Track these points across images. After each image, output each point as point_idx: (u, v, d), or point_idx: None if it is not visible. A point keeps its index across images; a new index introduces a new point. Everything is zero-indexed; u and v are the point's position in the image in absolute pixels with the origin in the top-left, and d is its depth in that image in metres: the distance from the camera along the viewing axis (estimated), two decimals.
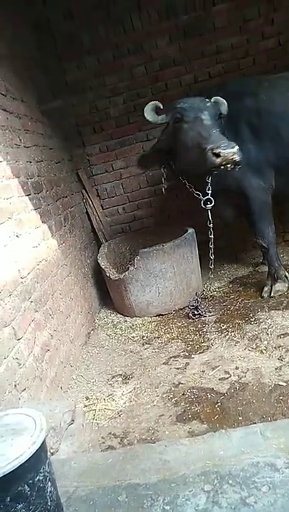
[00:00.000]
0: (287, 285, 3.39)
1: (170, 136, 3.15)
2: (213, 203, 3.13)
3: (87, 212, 4.38)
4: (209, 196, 3.12)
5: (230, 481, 1.45)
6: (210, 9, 4.08)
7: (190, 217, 4.16)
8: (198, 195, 3.18)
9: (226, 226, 3.44)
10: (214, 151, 2.75)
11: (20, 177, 2.75)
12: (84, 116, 4.30)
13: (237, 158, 2.74)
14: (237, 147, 2.75)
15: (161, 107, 3.14)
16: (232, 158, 2.74)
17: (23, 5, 3.67)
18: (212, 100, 3.10)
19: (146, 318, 3.56)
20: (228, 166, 2.79)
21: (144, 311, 3.60)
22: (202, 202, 3.15)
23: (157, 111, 3.13)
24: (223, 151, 2.73)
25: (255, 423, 2.06)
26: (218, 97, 3.16)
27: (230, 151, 2.73)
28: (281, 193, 3.37)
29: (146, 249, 3.54)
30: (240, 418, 2.15)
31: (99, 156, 4.40)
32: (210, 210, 3.17)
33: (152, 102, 3.14)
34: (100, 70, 4.18)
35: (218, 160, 2.75)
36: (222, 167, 2.79)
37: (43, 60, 3.92)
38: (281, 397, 2.22)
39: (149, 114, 3.11)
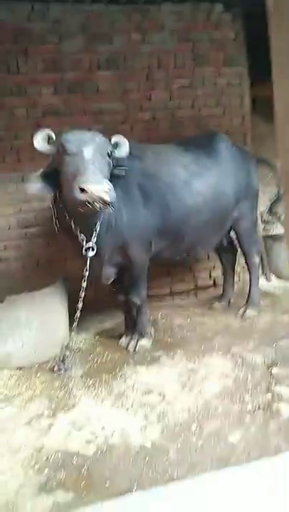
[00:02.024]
0: (151, 341, 3.56)
1: (55, 169, 2.92)
2: (94, 252, 3.07)
3: None
4: (93, 244, 3.05)
5: None
6: (95, 72, 4.34)
7: (60, 265, 4.13)
8: (83, 240, 3.07)
9: (104, 282, 3.44)
10: (80, 186, 2.55)
11: None
12: None
13: (107, 197, 2.54)
14: (108, 186, 2.56)
15: (54, 137, 2.93)
16: (100, 196, 2.53)
17: None
18: (112, 139, 3.03)
19: (5, 371, 3.26)
20: (97, 205, 2.58)
21: (3, 363, 3.29)
22: (83, 248, 3.06)
23: (49, 140, 2.91)
24: (89, 187, 2.53)
25: (124, 489, 2.03)
26: (121, 137, 3.07)
27: (98, 188, 2.53)
28: (160, 257, 3.59)
29: (12, 296, 3.33)
30: (107, 485, 2.08)
31: None
32: (89, 258, 3.07)
33: (45, 130, 2.92)
34: None
35: (84, 196, 2.55)
36: (89, 206, 2.59)
37: None
38: (147, 459, 2.24)
39: (38, 141, 2.88)
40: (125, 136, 3.15)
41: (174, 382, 2.97)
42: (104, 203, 2.57)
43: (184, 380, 3.00)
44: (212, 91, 4.65)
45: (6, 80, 4.10)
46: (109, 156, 2.95)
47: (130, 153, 3.20)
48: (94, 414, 2.67)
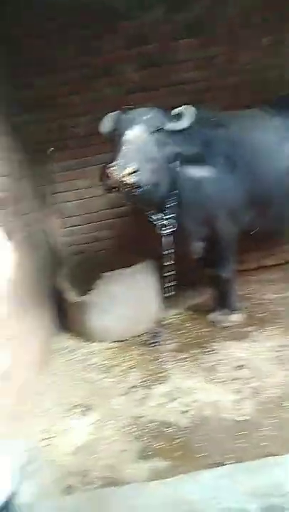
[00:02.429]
0: (241, 316, 3.53)
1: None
2: (172, 229, 3.09)
3: (46, 230, 4.28)
4: (166, 221, 3.07)
5: None
6: (177, 41, 4.22)
7: (151, 242, 4.22)
8: (155, 219, 3.09)
9: (194, 256, 3.47)
10: (106, 171, 2.55)
11: None
12: (50, 133, 4.23)
13: (130, 180, 2.50)
14: (131, 168, 2.49)
15: None
16: (123, 181, 2.49)
17: None
18: (175, 110, 2.92)
19: (104, 344, 3.52)
20: (124, 189, 2.55)
21: (102, 336, 3.56)
22: (158, 227, 3.10)
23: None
24: (112, 172, 2.51)
25: (218, 461, 2.11)
26: (186, 107, 2.90)
27: (120, 173, 2.48)
28: (249, 228, 3.46)
29: (108, 273, 3.52)
30: (202, 455, 2.18)
31: (63, 174, 4.33)
32: (166, 235, 3.11)
33: (112, 113, 3.00)
34: (67, 89, 4.15)
35: (109, 182, 2.54)
36: (115, 190, 2.58)
37: (11, 75, 3.83)
38: (241, 433, 2.29)
39: (104, 124, 2.99)
40: (209, 104, 3.03)
41: (266, 358, 2.94)
42: (131, 186, 2.53)
43: (277, 355, 2.94)
44: None
45: (90, 62, 4.17)
46: (159, 131, 2.83)
47: (213, 121, 3.13)
48: (186, 387, 2.77)
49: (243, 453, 2.13)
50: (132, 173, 2.50)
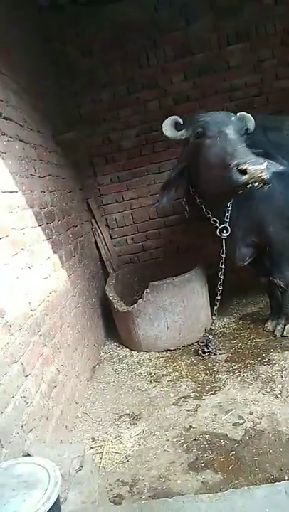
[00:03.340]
0: None
1: (191, 154, 2.90)
2: (229, 232, 3.02)
3: (95, 241, 4.35)
4: (226, 225, 3.00)
5: None
6: (224, 48, 4.19)
7: (199, 250, 4.15)
8: (215, 222, 3.03)
9: (239, 263, 3.33)
10: (240, 168, 2.48)
11: (34, 207, 2.72)
12: (97, 147, 4.34)
13: (266, 176, 2.48)
14: (266, 164, 2.49)
15: (182, 122, 2.93)
16: (260, 176, 2.47)
17: (43, 41, 3.76)
18: (237, 115, 2.89)
19: (153, 353, 3.46)
20: (256, 184, 2.52)
21: (151, 345, 3.50)
22: (218, 230, 3.03)
23: (177, 126, 2.92)
24: (250, 168, 2.46)
25: (274, 476, 1.96)
26: (245, 113, 2.93)
27: (259, 168, 2.46)
28: None
29: (156, 282, 3.48)
30: (257, 469, 2.03)
31: (110, 187, 4.41)
32: (225, 239, 3.03)
33: (172, 117, 2.93)
34: (114, 104, 4.25)
35: (245, 177, 2.48)
36: (248, 186, 2.53)
37: (59, 93, 3.99)
38: None
39: (168, 129, 2.91)
40: (260, 108, 2.91)
41: None
42: (264, 182, 2.51)
43: None
44: None
45: (137, 75, 4.24)
46: (246, 133, 2.81)
47: (266, 126, 3.05)
48: (240, 398, 2.62)
49: None
50: (266, 169, 2.50)
